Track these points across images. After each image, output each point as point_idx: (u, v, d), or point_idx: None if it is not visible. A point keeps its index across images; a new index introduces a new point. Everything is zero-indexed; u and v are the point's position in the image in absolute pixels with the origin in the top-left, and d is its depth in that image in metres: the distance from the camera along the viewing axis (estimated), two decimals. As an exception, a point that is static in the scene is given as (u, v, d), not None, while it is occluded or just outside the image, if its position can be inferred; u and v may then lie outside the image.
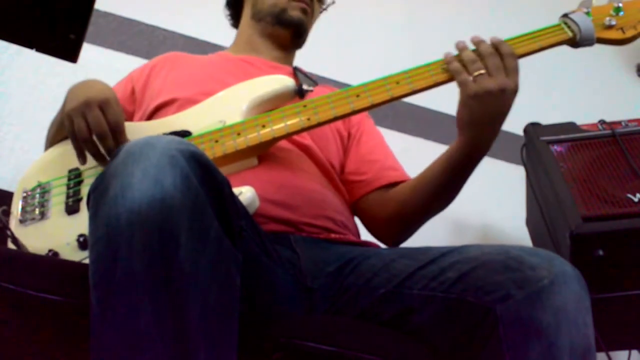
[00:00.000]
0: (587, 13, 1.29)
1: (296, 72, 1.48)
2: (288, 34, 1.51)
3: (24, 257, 1.04)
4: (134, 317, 0.77)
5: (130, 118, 1.43)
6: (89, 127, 1.14)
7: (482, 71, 1.17)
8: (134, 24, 2.14)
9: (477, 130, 1.19)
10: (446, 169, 1.25)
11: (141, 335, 0.76)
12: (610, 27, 1.29)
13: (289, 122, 1.21)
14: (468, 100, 1.17)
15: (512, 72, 1.18)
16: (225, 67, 1.48)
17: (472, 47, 1.22)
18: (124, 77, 1.52)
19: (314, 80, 1.47)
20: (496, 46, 1.19)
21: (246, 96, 1.28)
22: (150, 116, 1.38)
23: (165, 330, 0.76)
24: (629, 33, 1.29)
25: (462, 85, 1.18)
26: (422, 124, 2.33)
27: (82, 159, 1.18)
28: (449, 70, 1.20)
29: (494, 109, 1.17)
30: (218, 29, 1.76)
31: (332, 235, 1.25)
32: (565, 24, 1.28)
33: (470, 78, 1.17)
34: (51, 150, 1.31)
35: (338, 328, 1.04)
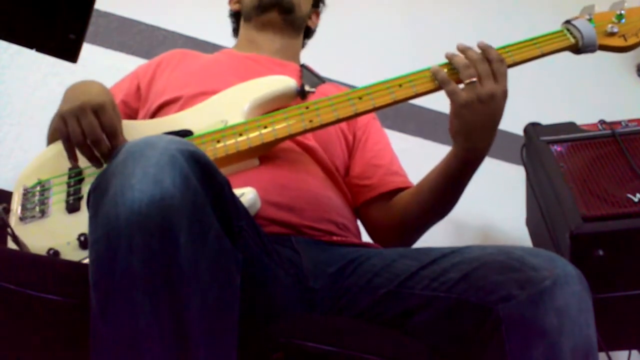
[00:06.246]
0: (590, 20, 1.28)
1: (303, 70, 1.47)
2: (275, 14, 1.52)
3: (24, 257, 1.04)
4: (134, 317, 0.77)
5: (135, 115, 1.42)
6: (83, 131, 1.14)
7: (474, 79, 1.16)
8: (134, 24, 2.14)
9: (471, 138, 1.19)
10: (444, 177, 1.25)
11: (141, 335, 0.76)
12: (612, 34, 1.28)
13: (291, 123, 1.21)
14: (459, 110, 1.17)
15: (501, 77, 1.17)
16: (230, 66, 1.47)
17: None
18: (130, 73, 1.52)
19: (321, 78, 1.47)
20: (484, 51, 1.19)
21: (248, 96, 1.28)
22: (154, 113, 1.37)
23: (165, 330, 0.76)
24: (631, 41, 1.29)
25: (451, 95, 1.18)
26: (422, 124, 2.33)
27: (74, 160, 1.18)
28: (437, 80, 1.20)
29: (485, 116, 1.16)
30: (218, 29, 1.76)
31: (334, 238, 1.25)
32: (568, 30, 1.28)
33: (460, 87, 1.17)
34: (51, 147, 1.31)
35: (338, 328, 1.04)
